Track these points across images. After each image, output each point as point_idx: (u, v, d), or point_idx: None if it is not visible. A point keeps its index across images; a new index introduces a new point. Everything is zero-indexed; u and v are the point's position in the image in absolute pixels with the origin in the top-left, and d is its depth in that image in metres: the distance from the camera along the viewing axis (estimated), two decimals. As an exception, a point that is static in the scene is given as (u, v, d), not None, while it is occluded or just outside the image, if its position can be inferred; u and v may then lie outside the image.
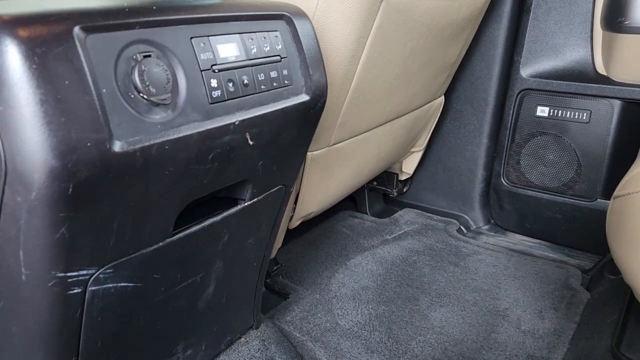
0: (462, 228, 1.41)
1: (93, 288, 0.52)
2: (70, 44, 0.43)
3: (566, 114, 1.25)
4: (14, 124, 0.41)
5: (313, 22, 0.70)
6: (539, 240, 1.35)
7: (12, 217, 0.44)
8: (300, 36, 0.66)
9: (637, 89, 1.15)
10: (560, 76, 1.24)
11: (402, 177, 1.43)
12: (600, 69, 1.21)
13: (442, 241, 1.33)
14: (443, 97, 1.31)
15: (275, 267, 1.14)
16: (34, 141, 0.41)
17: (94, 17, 0.45)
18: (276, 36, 0.63)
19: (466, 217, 1.43)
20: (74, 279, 0.50)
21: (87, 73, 0.44)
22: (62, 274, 0.48)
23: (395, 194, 1.46)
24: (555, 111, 1.26)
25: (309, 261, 1.21)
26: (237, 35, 0.58)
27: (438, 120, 1.35)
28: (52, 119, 0.41)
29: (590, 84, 1.20)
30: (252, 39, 0.60)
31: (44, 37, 0.42)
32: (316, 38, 0.69)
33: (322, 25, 0.74)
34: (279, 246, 0.96)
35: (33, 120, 0.41)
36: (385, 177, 1.44)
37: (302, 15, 0.68)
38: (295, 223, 0.98)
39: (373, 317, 1.03)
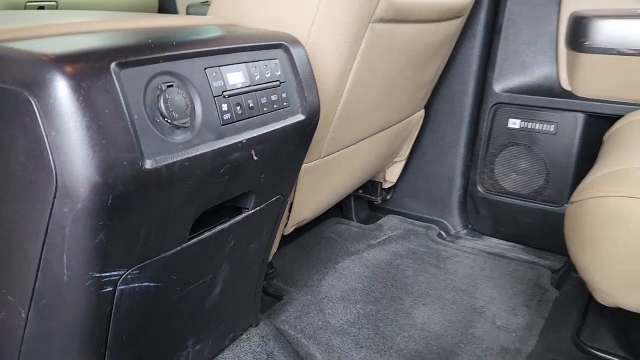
0: (442, 233, 1.51)
1: (122, 287, 0.60)
2: (109, 78, 0.51)
3: (535, 126, 1.35)
4: (64, 147, 0.49)
5: (306, 48, 0.79)
6: (512, 244, 1.45)
7: (59, 225, 0.52)
8: (296, 62, 0.75)
9: (598, 103, 1.26)
10: (530, 91, 1.35)
11: (386, 186, 1.52)
12: (566, 85, 1.32)
13: (424, 245, 1.42)
14: (423, 110, 1.41)
15: (270, 271, 1.21)
16: (81, 161, 0.49)
17: (126, 54, 0.53)
18: (276, 64, 0.72)
19: (446, 222, 1.53)
20: (107, 279, 0.57)
21: (122, 102, 0.51)
22: (98, 275, 0.56)
23: (380, 201, 1.55)
24: (526, 124, 1.37)
25: (301, 265, 1.29)
26: (243, 64, 0.67)
27: (419, 133, 1.44)
28: (96, 143, 0.49)
29: (556, 99, 1.31)
30: (255, 67, 0.68)
31: (87, 73, 0.50)
32: (310, 63, 0.77)
33: (315, 51, 0.82)
34: (275, 251, 1.04)
35: (80, 144, 0.49)
36: (370, 185, 1.53)
37: (297, 43, 0.76)
38: (290, 229, 1.06)
39: (361, 316, 1.11)
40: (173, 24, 0.72)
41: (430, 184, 1.53)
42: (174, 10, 2.00)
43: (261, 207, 0.78)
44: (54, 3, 1.60)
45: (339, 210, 1.58)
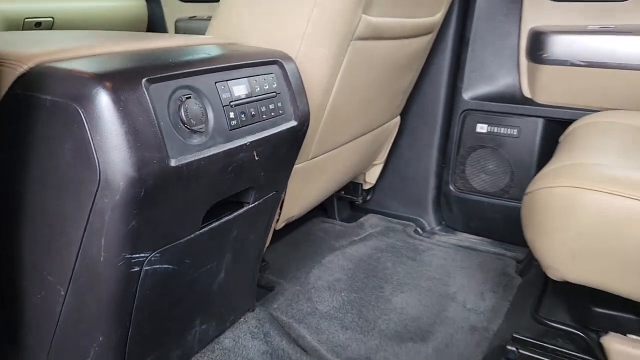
0: (418, 229, 1.63)
1: (146, 268, 0.70)
2: (140, 91, 0.62)
3: (500, 130, 1.49)
4: (107, 148, 0.59)
5: (297, 63, 0.90)
6: (482, 238, 1.58)
7: (99, 214, 0.62)
8: (289, 76, 0.87)
9: (555, 109, 1.40)
10: (495, 99, 1.49)
11: (366, 187, 1.64)
12: (526, 92, 1.46)
13: (401, 240, 1.55)
14: (399, 117, 1.54)
15: (262, 264, 1.32)
16: (120, 159, 0.60)
17: (153, 71, 0.64)
18: (272, 77, 0.83)
19: (421, 219, 1.66)
20: (135, 260, 0.68)
21: (152, 111, 0.62)
22: (129, 256, 0.67)
23: (360, 201, 1.67)
24: (492, 128, 1.50)
25: (289, 260, 1.40)
26: (246, 78, 0.78)
27: (395, 137, 1.57)
28: (132, 144, 0.60)
29: (518, 105, 1.45)
30: (255, 81, 0.80)
31: (124, 88, 0.61)
32: (300, 76, 0.89)
33: (304, 65, 0.94)
34: (267, 245, 1.15)
35: (120, 145, 0.59)
36: (351, 186, 1.65)
37: (289, 59, 0.88)
38: (281, 225, 1.17)
39: (346, 302, 1.23)
40: (184, 43, 0.83)
41: (406, 184, 1.66)
42: (162, 24, 2.10)
43: (259, 201, 0.89)
44: (50, 19, 1.69)
45: (322, 210, 1.69)
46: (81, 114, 0.59)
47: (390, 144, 1.57)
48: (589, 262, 0.78)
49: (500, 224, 1.54)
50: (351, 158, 1.33)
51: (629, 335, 0.93)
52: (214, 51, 0.80)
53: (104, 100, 0.59)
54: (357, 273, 1.36)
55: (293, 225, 1.51)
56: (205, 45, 0.85)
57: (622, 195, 0.76)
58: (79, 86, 0.59)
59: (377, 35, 1.06)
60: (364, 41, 1.03)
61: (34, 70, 0.62)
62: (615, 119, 1.16)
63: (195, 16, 2.01)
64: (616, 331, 0.94)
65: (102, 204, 0.62)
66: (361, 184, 1.64)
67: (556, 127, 1.40)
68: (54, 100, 0.60)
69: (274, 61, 0.84)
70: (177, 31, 2.03)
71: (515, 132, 1.47)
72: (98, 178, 0.60)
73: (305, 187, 1.17)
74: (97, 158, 0.60)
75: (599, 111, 1.25)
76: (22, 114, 0.62)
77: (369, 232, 1.59)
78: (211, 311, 0.93)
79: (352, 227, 1.62)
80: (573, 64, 1.34)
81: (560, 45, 1.36)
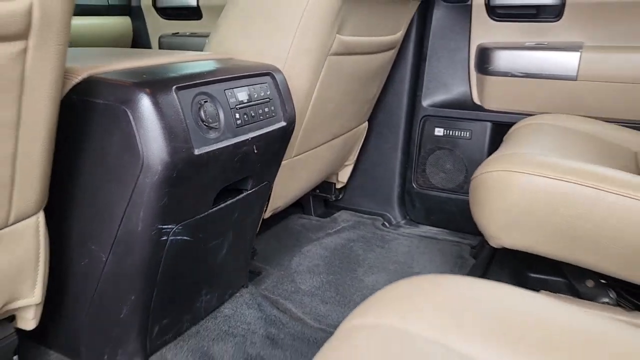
0: (385, 223, 1.83)
1: (171, 238, 0.87)
2: (172, 96, 0.80)
3: (455, 133, 1.71)
4: (148, 139, 0.77)
5: (284, 73, 1.09)
6: (441, 229, 1.80)
7: (140, 192, 0.79)
8: (279, 85, 1.05)
9: (501, 114, 1.63)
10: (450, 106, 1.71)
11: (338, 186, 1.84)
12: (476, 100, 1.69)
13: (371, 232, 1.74)
14: (367, 122, 1.74)
15: (251, 251, 1.49)
16: (158, 148, 0.77)
17: (180, 81, 0.82)
18: (266, 86, 1.02)
19: (388, 214, 1.86)
20: (164, 230, 0.85)
21: (180, 112, 0.80)
22: (160, 227, 0.84)
23: (334, 199, 1.86)
24: (448, 131, 1.72)
25: (273, 250, 1.57)
26: (246, 87, 0.96)
27: (364, 140, 1.77)
28: (167, 137, 0.77)
29: (470, 111, 1.68)
30: (254, 88, 0.98)
31: (160, 93, 0.78)
32: (287, 85, 1.08)
33: (289, 75, 1.13)
34: (256, 232, 1.33)
35: (158, 138, 0.77)
36: (325, 185, 1.84)
37: (278, 71, 1.07)
38: (268, 214, 1.35)
39: (325, 283, 1.41)
40: (194, 58, 1.01)
41: (374, 183, 1.86)
42: (147, 40, 2.26)
43: (255, 189, 1.07)
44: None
45: (300, 207, 1.88)
46: (129, 114, 0.76)
47: (360, 147, 1.77)
48: (520, 230, 0.99)
49: (457, 216, 1.76)
50: (326, 157, 1.53)
51: (558, 295, 1.15)
52: (220, 65, 0.98)
53: (146, 103, 0.76)
54: (333, 259, 1.55)
55: (275, 221, 1.69)
56: (211, 60, 1.03)
57: (544, 177, 0.97)
58: (126, 92, 0.77)
59: (348, 52, 1.26)
60: (338, 56, 1.23)
61: (86, 80, 0.79)
62: (546, 121, 1.38)
63: (177, 33, 2.18)
64: (548, 291, 1.15)
65: (143, 183, 0.79)
66: (334, 183, 1.83)
67: (501, 129, 1.63)
68: (105, 103, 0.78)
69: (267, 73, 1.03)
70: (160, 47, 2.19)
71: (468, 134, 1.70)
72: (141, 163, 0.78)
73: (289, 181, 1.35)
74: (141, 147, 0.77)
75: (535, 115, 1.48)
76: (78, 115, 0.79)
77: (342, 225, 1.78)
78: (214, 283, 1.10)
79: (327, 221, 1.81)
80: (514, 75, 1.58)
81: (502, 59, 1.59)
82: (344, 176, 1.81)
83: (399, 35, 1.52)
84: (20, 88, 0.64)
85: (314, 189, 1.80)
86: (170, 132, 0.78)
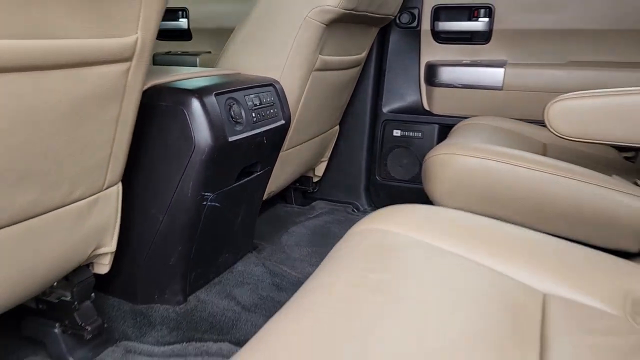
0: (355, 209, 2.19)
1: (209, 203, 1.20)
2: (213, 100, 1.13)
3: (410, 134, 2.09)
4: (199, 129, 1.10)
5: (281, 83, 1.44)
6: (401, 212, 2.16)
7: (192, 167, 1.12)
8: (279, 92, 1.40)
9: (445, 117, 2.02)
10: (405, 111, 2.09)
11: (315, 179, 2.18)
12: (426, 106, 2.08)
13: (343, 216, 2.10)
14: (338, 126, 2.10)
15: (247, 231, 1.82)
16: (205, 136, 1.10)
17: (217, 88, 1.16)
18: (270, 93, 1.36)
19: (356, 202, 2.21)
20: (206, 197, 1.18)
21: (218, 110, 1.14)
22: (203, 193, 1.16)
23: (311, 190, 2.20)
24: (404, 132, 2.10)
25: (265, 231, 1.90)
26: (258, 94, 1.31)
27: (336, 140, 2.13)
28: (211, 128, 1.11)
29: (421, 116, 2.06)
30: (262, 95, 1.33)
31: (206, 97, 1.12)
32: (284, 93, 1.43)
33: (285, 85, 1.48)
34: (259, 209, 1.65)
35: (205, 129, 1.10)
36: (304, 179, 2.18)
37: (278, 82, 1.42)
38: (265, 197, 1.68)
39: (310, 252, 1.75)
40: (217, 73, 1.34)
41: (344, 177, 2.22)
42: (141, 57, 2.55)
43: (261, 172, 1.41)
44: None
45: (283, 198, 2.21)
46: (185, 112, 1.09)
47: (332, 146, 2.13)
48: (459, 195, 1.36)
49: (414, 202, 2.13)
50: (307, 153, 1.87)
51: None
52: (237, 78, 1.32)
53: (197, 104, 1.10)
54: (315, 236, 1.89)
55: (265, 209, 2.02)
56: (229, 74, 1.37)
57: (475, 157, 1.34)
58: (183, 97, 1.10)
59: (327, 68, 1.62)
60: (319, 72, 1.59)
61: (152, 88, 1.12)
62: (480, 121, 1.78)
63: (170, 52, 2.50)
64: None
65: (194, 161, 1.12)
66: (311, 177, 2.18)
67: (446, 129, 2.02)
68: (167, 105, 1.10)
69: (270, 84, 1.38)
70: (155, 63, 2.49)
71: (420, 134, 2.08)
72: (193, 146, 1.11)
73: (280, 171, 1.69)
74: (193, 135, 1.10)
75: (471, 117, 1.88)
76: (146, 113, 1.11)
77: (319, 212, 2.13)
78: (232, 245, 1.42)
79: (306, 209, 2.15)
80: (454, 86, 1.97)
81: (445, 74, 1.99)
82: (319, 171, 2.16)
83: (364, 54, 1.90)
84: (123, 94, 0.97)
85: (294, 182, 2.14)
86: (213, 124, 1.11)
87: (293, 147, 1.71)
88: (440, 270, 0.72)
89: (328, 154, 2.13)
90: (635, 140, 1.17)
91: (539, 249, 0.81)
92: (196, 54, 2.40)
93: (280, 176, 1.72)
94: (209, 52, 2.47)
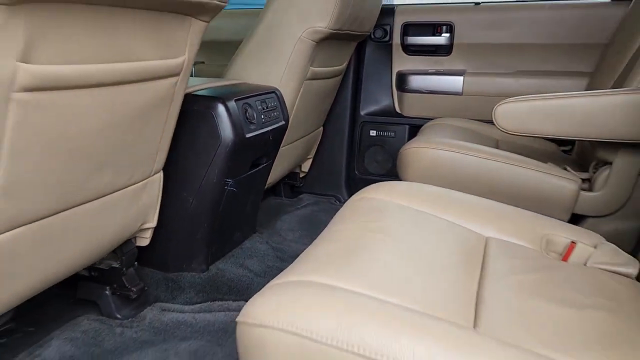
0: (337, 201, 2.49)
1: (228, 188, 1.49)
2: (234, 104, 1.42)
3: (384, 134, 2.41)
4: (224, 128, 1.39)
5: (280, 90, 1.74)
6: (377, 202, 2.48)
7: (217, 158, 1.41)
8: (279, 98, 1.70)
9: (414, 119, 2.35)
10: (380, 114, 2.42)
11: (302, 175, 2.48)
12: (398, 110, 2.40)
13: (327, 207, 2.40)
14: (322, 127, 2.41)
15: (247, 218, 2.10)
16: (229, 133, 1.39)
17: (236, 95, 1.45)
18: (273, 99, 1.66)
19: (338, 195, 2.52)
20: (227, 182, 1.46)
21: (238, 113, 1.43)
22: (226, 179, 1.45)
23: (299, 185, 2.50)
24: (379, 132, 2.42)
25: (262, 219, 2.19)
26: (264, 99, 1.60)
27: (320, 140, 2.43)
28: (233, 127, 1.40)
29: (393, 118, 2.39)
30: (267, 101, 1.62)
31: (229, 103, 1.41)
32: (283, 98, 1.73)
33: (282, 92, 1.77)
34: (261, 197, 1.94)
35: (229, 127, 1.39)
36: (292, 175, 2.48)
37: (278, 90, 1.72)
38: (266, 186, 1.97)
39: (302, 235, 2.04)
40: (231, 83, 1.63)
41: (328, 172, 2.52)
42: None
43: (266, 164, 1.70)
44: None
45: (273, 192, 2.50)
46: (213, 114, 1.38)
47: (317, 145, 2.43)
48: (428, 181, 1.68)
49: (388, 192, 2.45)
50: (297, 151, 2.17)
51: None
52: (247, 86, 1.61)
53: (222, 108, 1.38)
54: (304, 223, 2.19)
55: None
56: (239, 83, 1.66)
57: (441, 150, 1.66)
58: (211, 103, 1.38)
59: (316, 77, 1.93)
60: (309, 81, 1.89)
61: (187, 96, 1.40)
62: (443, 122, 2.11)
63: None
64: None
65: (220, 153, 1.40)
66: (298, 173, 2.47)
67: (415, 129, 2.34)
68: (199, 109, 1.39)
69: (273, 91, 1.67)
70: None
71: (393, 134, 2.41)
72: (219, 142, 1.39)
73: (277, 165, 1.98)
74: (220, 133, 1.39)
75: (436, 118, 2.21)
76: (182, 116, 1.39)
77: (306, 203, 2.43)
78: (242, 225, 1.71)
79: (295, 201, 2.45)
80: (422, 92, 2.30)
81: (414, 81, 2.32)
82: (306, 167, 2.46)
83: (345, 65, 2.21)
84: (171, 101, 1.25)
85: (283, 178, 2.43)
86: (234, 124, 1.40)
87: (287, 145, 2.01)
88: (415, 222, 1.03)
89: (313, 152, 2.43)
90: (564, 133, 1.51)
91: (485, 208, 1.13)
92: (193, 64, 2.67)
93: (276, 169, 2.02)
94: (203, 62, 2.75)
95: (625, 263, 0.97)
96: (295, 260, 0.85)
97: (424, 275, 0.82)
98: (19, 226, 0.95)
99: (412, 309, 0.71)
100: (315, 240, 0.94)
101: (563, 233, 1.05)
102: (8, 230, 0.93)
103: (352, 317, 0.66)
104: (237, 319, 0.72)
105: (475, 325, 0.73)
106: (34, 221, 0.98)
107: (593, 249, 1.00)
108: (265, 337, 0.67)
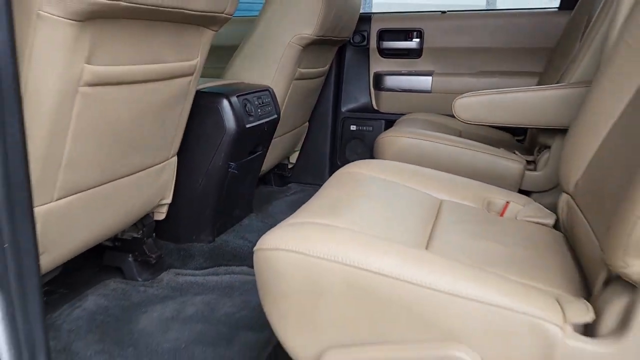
0: (322, 189, 2.77)
1: (231, 171, 1.76)
2: (236, 99, 1.70)
3: (363, 128, 2.70)
4: (228, 119, 1.66)
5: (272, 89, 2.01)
6: (358, 189, 2.77)
7: (223, 145, 1.68)
8: (272, 95, 1.97)
9: (389, 114, 2.64)
10: (359, 110, 2.71)
11: (290, 166, 2.76)
12: (375, 107, 2.70)
13: (314, 193, 2.67)
14: (308, 122, 2.69)
15: (242, 202, 2.37)
16: (232, 124, 1.67)
17: (238, 92, 1.72)
18: (267, 96, 1.94)
19: (323, 184, 2.79)
20: (231, 165, 1.73)
21: (239, 107, 1.70)
22: (228, 163, 1.72)
23: (287, 175, 2.77)
24: (358, 127, 2.71)
25: (255, 205, 2.46)
26: (260, 96, 1.88)
27: (306, 134, 2.71)
28: (236, 118, 1.67)
29: (371, 114, 2.68)
30: (262, 97, 1.90)
31: (232, 98, 1.68)
32: (275, 96, 2.01)
33: (274, 90, 2.05)
34: (256, 182, 2.21)
35: (232, 119, 1.66)
36: (281, 165, 2.75)
37: (271, 88, 1.99)
38: (260, 173, 2.24)
39: (292, 216, 2.31)
40: (231, 82, 1.90)
41: (312, 163, 2.80)
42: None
43: (261, 151, 1.98)
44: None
45: (264, 182, 2.77)
46: (219, 108, 1.65)
47: (303, 139, 2.71)
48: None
49: (367, 180, 2.74)
50: (286, 143, 2.45)
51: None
52: (245, 85, 1.88)
53: (227, 103, 1.66)
54: (293, 207, 2.46)
55: (253, 186, 2.58)
56: (237, 82, 1.93)
57: (411, 138, 1.95)
58: (217, 98, 1.66)
59: (303, 77, 2.21)
60: (297, 81, 2.18)
61: (196, 93, 1.67)
62: (415, 116, 2.40)
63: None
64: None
65: (225, 140, 1.67)
66: (287, 164, 2.75)
67: (390, 123, 2.64)
68: (206, 104, 1.66)
69: (266, 89, 1.95)
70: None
71: (371, 128, 2.70)
72: (224, 131, 1.66)
73: (269, 154, 2.26)
74: (225, 123, 1.66)
75: (408, 114, 2.50)
76: (192, 109, 1.66)
77: (294, 191, 2.71)
78: (241, 204, 1.98)
79: (284, 189, 2.72)
80: (396, 90, 2.60)
81: (389, 81, 2.62)
82: (293, 159, 2.74)
83: (328, 66, 2.50)
84: (186, 96, 1.52)
85: (273, 168, 2.71)
86: (236, 116, 1.68)
87: (277, 137, 2.29)
88: (387, 188, 1.32)
89: (300, 144, 2.71)
90: (510, 122, 1.81)
91: (441, 179, 1.42)
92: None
93: (268, 158, 2.29)
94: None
95: (545, 216, 1.27)
96: (296, 212, 1.13)
97: (391, 220, 1.11)
98: (74, 193, 1.21)
99: (381, 237, 0.99)
100: (310, 200, 1.22)
101: (500, 196, 1.35)
102: (67, 196, 1.19)
103: (339, 241, 0.94)
104: (254, 249, 1.00)
105: (426, 248, 1.02)
106: (85, 190, 1.25)
107: (522, 207, 1.30)
108: (276, 257, 0.95)
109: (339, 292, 0.90)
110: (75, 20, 1.00)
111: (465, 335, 0.84)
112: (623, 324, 0.79)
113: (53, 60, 1.00)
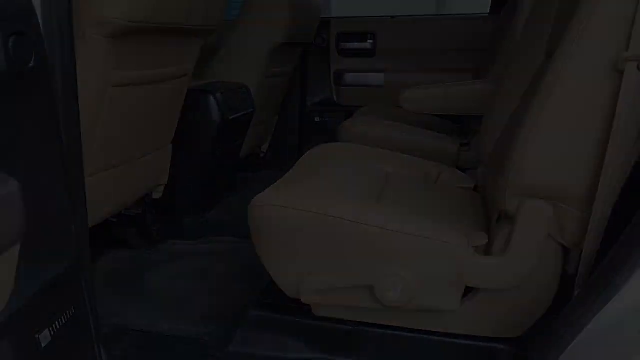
0: (291, 174, 3.12)
1: (217, 155, 2.10)
2: (220, 96, 2.04)
3: (326, 119, 3.07)
4: (214, 112, 2.00)
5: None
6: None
7: (210, 134, 2.01)
8: (248, 92, 2.32)
9: (349, 107, 3.01)
10: (322, 104, 3.07)
11: (262, 155, 3.10)
12: (337, 100, 3.07)
13: (284, 178, 3.03)
14: (277, 115, 3.04)
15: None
16: (218, 116, 2.00)
17: (222, 89, 2.06)
18: (244, 92, 2.28)
19: (291, 169, 3.15)
20: (216, 150, 2.07)
21: (223, 102, 2.04)
22: (219, 147, 2.06)
23: (260, 162, 3.11)
24: (322, 118, 3.07)
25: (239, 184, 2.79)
26: (238, 92, 2.21)
27: (276, 125, 3.06)
28: (221, 111, 2.01)
29: (333, 107, 3.05)
30: (241, 93, 2.24)
31: (217, 95, 2.02)
32: (251, 93, 2.35)
33: (249, 87, 2.39)
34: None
35: (218, 112, 2.00)
36: (254, 154, 3.08)
37: (246, 86, 2.33)
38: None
39: (266, 197, 2.66)
40: (213, 81, 2.23)
41: (282, 150, 3.15)
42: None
43: (240, 139, 2.32)
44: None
45: (240, 169, 3.10)
46: (206, 103, 1.99)
47: (274, 129, 3.06)
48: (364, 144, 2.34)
49: (331, 165, 3.11)
50: (259, 132, 2.79)
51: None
52: (228, 84, 2.22)
53: (212, 98, 1.99)
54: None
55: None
56: (218, 81, 2.26)
57: (367, 126, 2.32)
58: (204, 95, 1.99)
59: (272, 76, 2.55)
60: (269, 79, 2.52)
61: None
62: (373, 108, 2.78)
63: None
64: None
65: (211, 130, 2.01)
66: (259, 153, 3.09)
67: (349, 114, 3.01)
68: (195, 100, 1.99)
69: (244, 86, 2.29)
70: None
71: (333, 119, 3.06)
72: (211, 122, 2.00)
73: (245, 142, 2.60)
74: (213, 115, 1.99)
75: (364, 106, 2.88)
76: (185, 105, 1.98)
77: (267, 176, 3.04)
78: (224, 185, 2.32)
79: (258, 174, 3.06)
80: (354, 86, 2.98)
81: (348, 78, 2.99)
82: (265, 148, 3.08)
83: (293, 65, 2.85)
84: (181, 93, 1.84)
85: (248, 156, 3.03)
86: (221, 110, 2.01)
87: (251, 128, 2.62)
88: (348, 164, 1.68)
89: (271, 134, 3.06)
90: (444, 110, 2.21)
91: (391, 157, 1.80)
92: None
93: (244, 146, 2.63)
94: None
95: (467, 182, 1.67)
96: (277, 181, 1.48)
97: (350, 184, 1.48)
98: (105, 170, 1.53)
99: (341, 195, 1.36)
100: (286, 175, 1.57)
101: (436, 169, 1.74)
102: (99, 172, 1.51)
103: (310, 197, 1.30)
104: (249, 206, 1.34)
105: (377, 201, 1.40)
106: (112, 168, 1.57)
107: (450, 176, 1.70)
108: (270, 211, 1.30)
109: (310, 233, 1.25)
110: (109, 38, 1.32)
111: (402, 259, 1.20)
112: (505, 245, 1.18)
113: (93, 67, 1.32)
